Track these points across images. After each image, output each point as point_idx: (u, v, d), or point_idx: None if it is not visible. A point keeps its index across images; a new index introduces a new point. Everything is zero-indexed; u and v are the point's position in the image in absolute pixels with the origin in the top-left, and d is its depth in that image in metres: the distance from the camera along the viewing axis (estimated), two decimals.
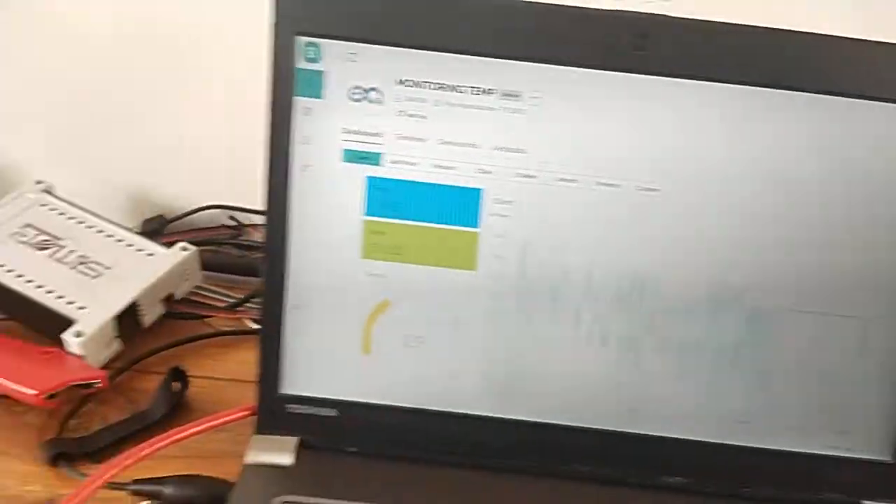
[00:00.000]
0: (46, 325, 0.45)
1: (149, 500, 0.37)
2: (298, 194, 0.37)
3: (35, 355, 0.44)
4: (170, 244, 0.51)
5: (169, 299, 0.50)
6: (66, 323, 0.45)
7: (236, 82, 0.55)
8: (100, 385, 0.43)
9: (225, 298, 0.53)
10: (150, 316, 0.49)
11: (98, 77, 0.57)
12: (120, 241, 0.51)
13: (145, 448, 0.37)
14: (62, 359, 0.44)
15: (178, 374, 0.44)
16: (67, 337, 0.44)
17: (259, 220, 0.61)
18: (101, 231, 0.51)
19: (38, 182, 0.54)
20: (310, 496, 0.37)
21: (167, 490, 0.37)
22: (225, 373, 0.47)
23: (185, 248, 0.51)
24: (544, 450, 0.40)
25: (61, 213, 0.52)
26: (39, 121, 0.58)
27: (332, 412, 0.40)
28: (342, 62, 0.36)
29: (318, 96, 0.36)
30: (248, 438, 0.40)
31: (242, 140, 0.57)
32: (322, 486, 0.38)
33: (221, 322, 0.51)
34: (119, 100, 0.57)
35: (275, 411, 0.40)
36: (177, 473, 0.38)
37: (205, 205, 0.59)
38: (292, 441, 0.40)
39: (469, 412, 0.40)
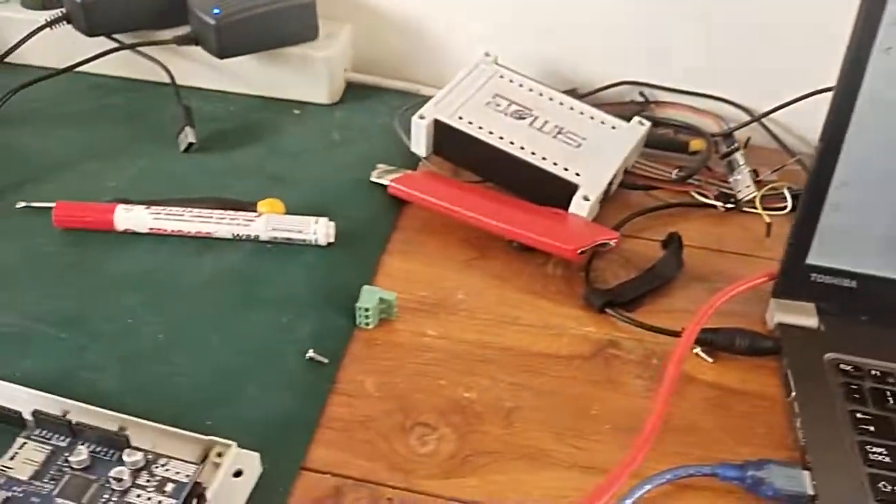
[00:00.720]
0: (545, 190, 0.50)
1: (700, 346, 0.42)
2: (873, 74, 0.39)
3: (548, 215, 0.49)
4: None
5: (625, 170, 0.54)
6: (567, 188, 0.49)
7: None
8: (614, 244, 0.47)
9: (658, 172, 0.56)
10: (615, 185, 0.53)
11: None
12: (581, 113, 0.54)
13: (718, 299, 0.42)
14: (570, 220, 0.49)
15: (675, 239, 0.49)
16: (577, 200, 0.49)
17: (665, 96, 0.63)
18: (561, 103, 0.55)
19: (487, 54, 0.58)
20: (851, 355, 0.41)
21: (718, 338, 0.42)
22: (688, 240, 0.51)
23: (641, 123, 0.54)
24: None
25: (520, 85, 0.56)
26: None
27: (851, 283, 0.43)
28: None
29: None
30: (741, 300, 0.44)
31: (652, 20, 0.59)
32: (856, 347, 0.41)
33: (665, 194, 0.55)
34: None
35: (799, 278, 0.43)
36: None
37: (618, 80, 0.62)
38: (811, 307, 0.44)
39: None
